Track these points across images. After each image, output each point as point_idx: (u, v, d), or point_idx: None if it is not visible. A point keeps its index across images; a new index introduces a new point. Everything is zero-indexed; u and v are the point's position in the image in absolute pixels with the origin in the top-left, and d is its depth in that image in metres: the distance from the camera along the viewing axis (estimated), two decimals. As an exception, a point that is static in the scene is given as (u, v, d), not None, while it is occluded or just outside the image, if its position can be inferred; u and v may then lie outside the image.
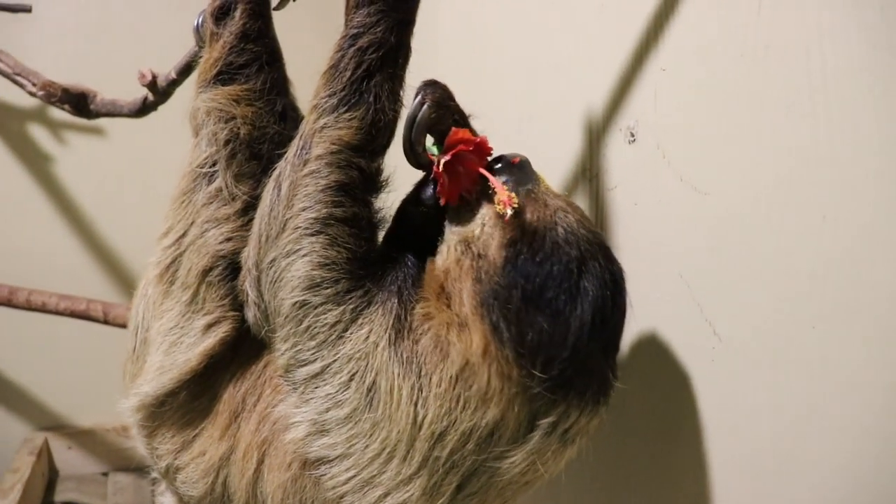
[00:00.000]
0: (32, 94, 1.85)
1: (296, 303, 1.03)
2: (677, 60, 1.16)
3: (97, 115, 1.81)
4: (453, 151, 1.05)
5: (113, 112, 1.77)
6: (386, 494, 0.99)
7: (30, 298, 2.17)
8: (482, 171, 1.06)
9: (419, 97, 1.08)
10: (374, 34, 1.04)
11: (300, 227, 1.03)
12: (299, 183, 1.04)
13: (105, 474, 2.66)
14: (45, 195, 2.55)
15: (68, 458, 2.66)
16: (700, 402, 1.15)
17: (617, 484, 1.35)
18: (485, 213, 1.04)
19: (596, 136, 1.36)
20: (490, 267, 0.99)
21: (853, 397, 0.92)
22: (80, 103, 1.79)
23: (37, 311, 2.19)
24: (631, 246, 1.28)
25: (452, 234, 1.07)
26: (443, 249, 1.07)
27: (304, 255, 1.02)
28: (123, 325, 2.06)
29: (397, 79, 1.08)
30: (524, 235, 1.00)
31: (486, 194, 1.06)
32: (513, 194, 1.02)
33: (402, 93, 1.10)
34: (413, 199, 1.14)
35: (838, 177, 0.91)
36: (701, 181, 1.13)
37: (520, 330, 0.96)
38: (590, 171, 1.39)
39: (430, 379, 0.98)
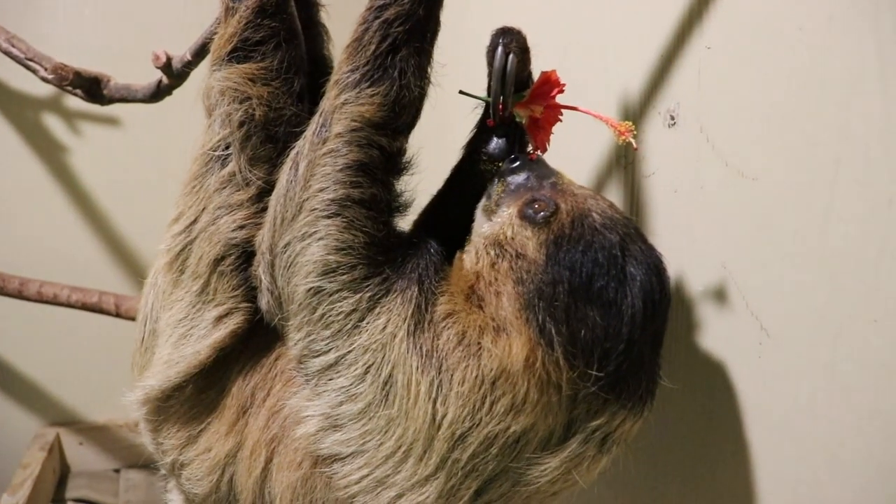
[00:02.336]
0: (45, 80, 1.78)
1: (310, 289, 0.97)
2: (725, 37, 1.08)
3: (111, 100, 1.75)
4: (552, 96, 1.06)
5: (127, 97, 1.71)
6: (400, 496, 0.93)
7: (41, 290, 2.12)
8: (586, 110, 1.08)
9: (500, 48, 1.05)
10: (401, 6, 0.98)
11: (316, 208, 0.97)
12: (317, 162, 0.98)
13: (117, 471, 2.61)
14: (59, 186, 2.50)
15: (80, 454, 2.61)
16: (745, 402, 1.07)
17: (652, 490, 1.28)
18: (511, 212, 1.00)
19: (631, 120, 1.28)
20: (531, 265, 0.94)
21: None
22: (92, 88, 1.73)
23: (48, 303, 2.14)
24: (670, 235, 1.20)
25: (479, 236, 1.02)
26: (470, 250, 1.02)
27: (320, 239, 0.97)
28: (135, 319, 2.01)
29: (425, 54, 1.02)
30: (562, 227, 0.95)
31: (510, 193, 1.03)
32: (628, 122, 1.03)
33: (429, 69, 1.03)
34: (480, 158, 1.11)
35: (909, 157, 0.83)
36: (749, 166, 1.05)
37: (570, 328, 0.90)
38: (625, 158, 1.31)
39: (452, 376, 0.91)
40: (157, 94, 1.64)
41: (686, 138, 1.16)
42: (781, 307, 1.01)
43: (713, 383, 1.12)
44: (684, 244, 1.17)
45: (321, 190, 0.97)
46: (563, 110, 1.11)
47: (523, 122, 1.10)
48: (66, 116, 2.49)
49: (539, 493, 0.95)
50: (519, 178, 1.03)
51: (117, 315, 2.03)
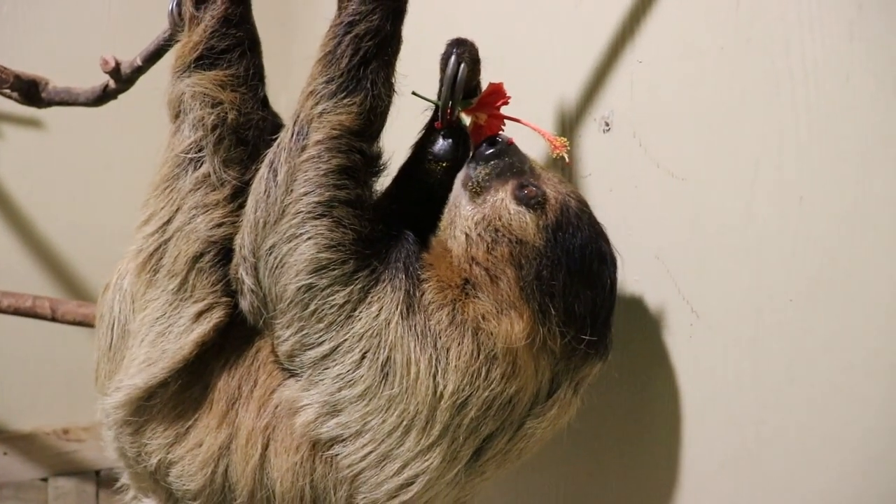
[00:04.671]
0: (-23, 82, 1.76)
1: (301, 287, 1.03)
2: (655, 53, 1.22)
3: (49, 103, 1.73)
4: (497, 106, 1.16)
5: (67, 101, 1.69)
6: (404, 466, 1.01)
7: (-33, 296, 2.07)
8: (526, 122, 1.18)
9: (453, 57, 1.14)
10: (370, 22, 1.06)
11: (302, 211, 1.04)
12: (298, 168, 1.05)
13: (45, 480, 2.55)
14: (-21, 189, 2.43)
15: (4, 464, 2.51)
16: (678, 379, 1.20)
17: (591, 463, 1.40)
18: (503, 196, 1.08)
19: (569, 126, 1.41)
20: (530, 251, 1.04)
21: (832, 364, 0.98)
22: (30, 91, 1.70)
23: (-25, 309, 2.08)
24: (607, 230, 1.32)
25: (465, 218, 1.09)
26: (457, 235, 1.09)
27: (309, 239, 1.03)
28: (73, 323, 1.99)
29: (391, 66, 1.10)
30: (556, 213, 1.06)
31: (496, 176, 1.10)
32: (563, 138, 1.12)
33: (394, 80, 1.11)
34: (427, 158, 1.19)
35: (817, 162, 0.98)
36: (678, 167, 1.19)
37: (566, 303, 1.02)
38: (563, 160, 1.43)
39: (448, 351, 1.01)
40: (103, 97, 1.64)
41: (620, 142, 1.29)
42: (709, 291, 1.15)
43: (649, 362, 1.25)
44: (620, 238, 1.27)
45: (306, 194, 1.04)
46: (505, 119, 1.21)
47: (469, 126, 1.20)
48: (-16, 118, 2.42)
49: (534, 442, 1.07)
50: (502, 161, 1.11)
51: (53, 319, 2.01)
